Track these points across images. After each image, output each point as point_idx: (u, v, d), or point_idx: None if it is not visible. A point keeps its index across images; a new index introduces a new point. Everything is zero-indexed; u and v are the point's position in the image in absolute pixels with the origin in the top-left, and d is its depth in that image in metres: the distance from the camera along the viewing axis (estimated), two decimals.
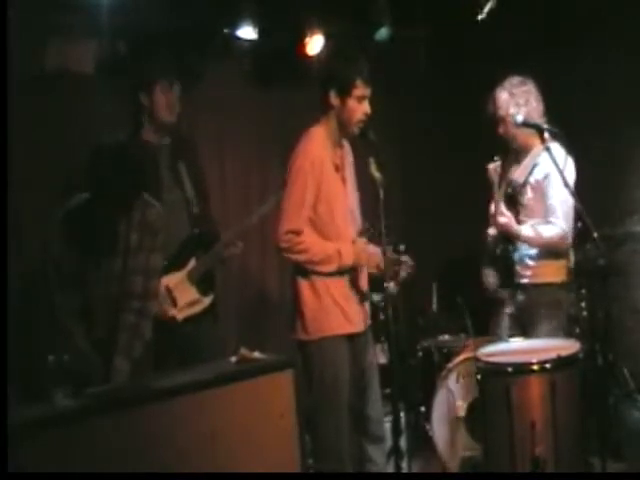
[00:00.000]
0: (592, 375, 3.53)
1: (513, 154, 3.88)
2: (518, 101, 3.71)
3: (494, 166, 3.83)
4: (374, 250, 3.42)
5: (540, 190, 3.70)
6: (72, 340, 3.17)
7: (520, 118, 3.59)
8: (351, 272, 3.44)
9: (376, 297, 4.09)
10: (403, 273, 3.57)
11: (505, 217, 3.68)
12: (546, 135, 3.52)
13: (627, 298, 4.65)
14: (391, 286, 3.54)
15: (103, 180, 3.01)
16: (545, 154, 3.46)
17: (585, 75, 4.82)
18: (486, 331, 4.00)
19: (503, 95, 3.76)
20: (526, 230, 3.67)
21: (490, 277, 3.98)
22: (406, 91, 5.38)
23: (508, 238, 3.74)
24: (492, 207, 3.80)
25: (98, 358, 3.19)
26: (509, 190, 3.80)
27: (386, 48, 4.88)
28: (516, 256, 3.77)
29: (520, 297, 3.79)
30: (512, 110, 3.69)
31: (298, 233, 3.32)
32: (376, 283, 3.54)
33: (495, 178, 3.83)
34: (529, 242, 3.69)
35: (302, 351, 3.42)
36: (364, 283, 3.53)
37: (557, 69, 4.88)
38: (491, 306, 3.99)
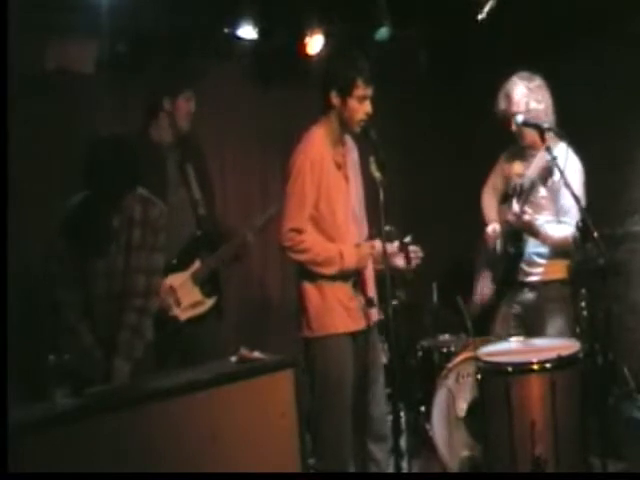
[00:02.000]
0: (592, 375, 3.53)
1: (524, 151, 3.84)
2: (537, 97, 3.65)
3: (518, 165, 3.80)
4: (379, 249, 3.40)
5: (553, 189, 3.67)
6: (76, 337, 3.17)
7: (520, 118, 3.57)
8: (356, 273, 3.44)
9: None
10: (414, 262, 3.55)
11: (528, 215, 3.64)
12: (549, 135, 3.49)
13: (627, 297, 4.65)
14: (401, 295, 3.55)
15: (97, 169, 3.03)
16: (558, 153, 3.40)
17: (585, 75, 4.82)
18: (486, 331, 4.00)
19: (520, 90, 3.67)
20: (544, 228, 3.65)
21: (486, 286, 3.99)
22: (406, 91, 5.38)
23: (519, 236, 3.72)
24: (514, 206, 3.70)
25: (101, 355, 3.19)
26: (522, 187, 3.76)
27: (386, 48, 4.88)
28: (524, 254, 3.76)
29: (528, 295, 3.77)
30: (532, 105, 3.62)
31: (300, 231, 3.33)
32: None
33: (519, 176, 3.81)
34: (545, 240, 3.67)
35: (306, 349, 3.43)
36: (370, 283, 3.52)
37: (557, 69, 4.87)
38: (491, 306, 3.99)
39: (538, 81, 3.71)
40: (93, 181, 3.06)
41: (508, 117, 3.71)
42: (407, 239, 3.53)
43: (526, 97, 3.66)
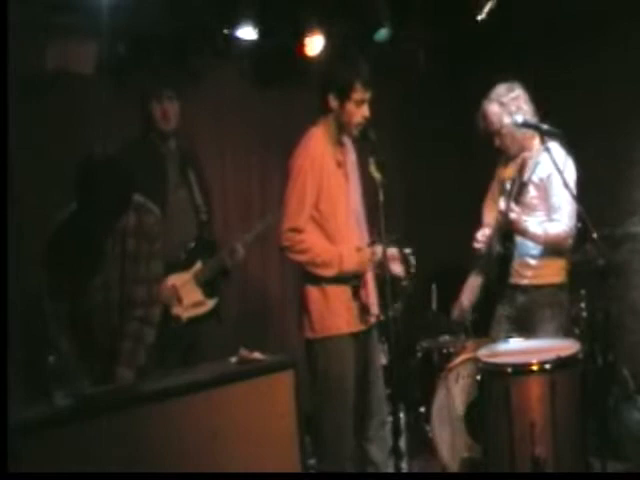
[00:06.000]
0: (592, 375, 3.53)
1: (512, 156, 3.86)
2: (510, 110, 3.69)
3: (509, 169, 3.82)
4: (379, 255, 3.40)
5: (543, 188, 3.68)
6: (57, 349, 3.14)
7: (520, 118, 3.58)
8: (357, 276, 3.43)
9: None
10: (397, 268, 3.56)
11: (515, 213, 3.65)
12: (544, 135, 3.50)
13: (627, 298, 4.65)
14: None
15: (91, 191, 2.98)
16: (546, 153, 3.45)
17: (585, 75, 4.83)
18: (486, 332, 4.00)
19: (493, 108, 3.74)
20: (533, 227, 3.65)
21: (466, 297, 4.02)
22: (406, 92, 5.38)
23: (509, 236, 3.72)
24: (501, 204, 3.73)
25: (79, 365, 3.16)
26: (512, 189, 3.77)
27: (386, 48, 4.89)
28: (516, 255, 3.76)
29: (520, 298, 3.76)
30: (506, 121, 3.67)
31: (299, 231, 3.33)
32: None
33: (505, 176, 3.82)
34: (535, 239, 3.66)
35: (308, 349, 3.43)
36: (371, 287, 3.51)
37: (557, 69, 4.88)
38: (492, 306, 3.99)
39: (514, 92, 3.74)
40: (90, 198, 3.01)
41: (488, 134, 3.79)
42: (407, 250, 3.55)
43: (498, 115, 3.73)
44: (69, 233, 3.10)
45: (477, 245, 3.84)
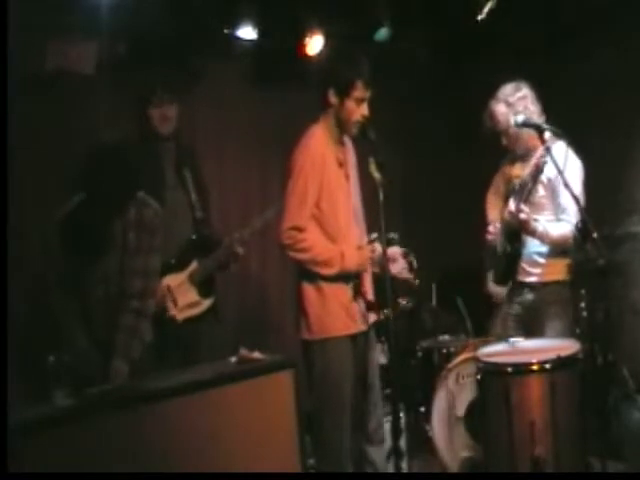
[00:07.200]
0: (592, 375, 3.53)
1: (519, 155, 3.85)
2: (517, 110, 3.67)
3: (518, 167, 3.82)
4: (379, 253, 3.40)
5: (551, 188, 3.67)
6: (71, 340, 3.17)
7: (521, 118, 3.57)
8: (356, 275, 3.43)
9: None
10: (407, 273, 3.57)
11: (525, 213, 3.64)
12: (547, 135, 3.50)
13: (627, 298, 4.65)
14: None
15: (97, 181, 3.01)
16: (556, 152, 3.40)
17: (585, 75, 4.83)
18: (486, 331, 4.00)
19: (500, 108, 3.73)
20: (541, 227, 3.65)
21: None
22: (406, 91, 5.38)
23: (517, 235, 3.72)
24: (511, 205, 3.72)
25: (98, 357, 3.19)
26: (524, 191, 3.75)
27: (386, 48, 4.89)
28: (524, 254, 3.75)
29: (528, 296, 3.76)
30: (513, 120, 3.67)
31: (301, 230, 3.32)
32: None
33: (512, 174, 3.82)
34: (543, 239, 3.66)
35: (305, 351, 3.42)
36: (369, 286, 3.51)
37: (557, 69, 4.88)
38: (491, 306, 3.99)
39: (521, 92, 3.73)
40: (94, 189, 3.03)
41: (495, 134, 3.77)
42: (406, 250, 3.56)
43: (505, 114, 3.71)
44: (76, 225, 3.12)
45: (490, 237, 3.84)
